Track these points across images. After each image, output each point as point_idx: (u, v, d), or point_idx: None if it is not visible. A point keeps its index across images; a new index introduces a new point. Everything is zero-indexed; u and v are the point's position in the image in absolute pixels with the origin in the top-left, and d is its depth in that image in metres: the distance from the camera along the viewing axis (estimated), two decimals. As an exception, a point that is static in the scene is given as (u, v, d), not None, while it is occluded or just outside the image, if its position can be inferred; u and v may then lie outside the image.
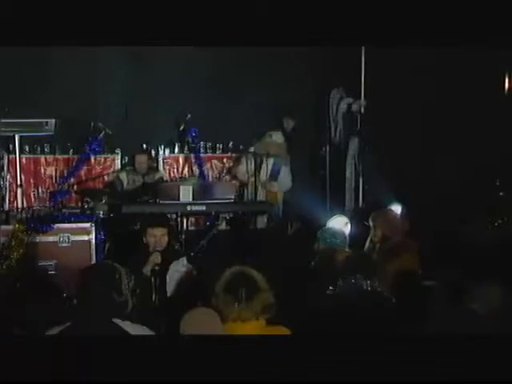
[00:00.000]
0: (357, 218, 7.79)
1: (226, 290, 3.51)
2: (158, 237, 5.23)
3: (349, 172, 8.48)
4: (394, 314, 3.80)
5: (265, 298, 3.51)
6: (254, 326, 3.46)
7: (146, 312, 3.94)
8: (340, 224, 6.21)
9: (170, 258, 5.14)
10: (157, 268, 4.85)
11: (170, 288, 4.95)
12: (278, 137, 8.06)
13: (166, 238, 5.26)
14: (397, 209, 6.44)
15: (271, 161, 7.91)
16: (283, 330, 3.52)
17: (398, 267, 4.42)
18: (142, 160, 8.04)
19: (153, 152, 8.68)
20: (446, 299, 3.86)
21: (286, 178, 8.06)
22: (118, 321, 3.24)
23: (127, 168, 8.21)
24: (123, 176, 8.01)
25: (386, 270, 4.33)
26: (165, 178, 8.23)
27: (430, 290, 4.10)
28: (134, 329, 3.23)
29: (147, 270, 4.92)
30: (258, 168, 7.77)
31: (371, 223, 5.48)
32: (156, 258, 5.01)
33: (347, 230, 6.12)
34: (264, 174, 7.85)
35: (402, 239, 5.09)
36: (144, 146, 8.53)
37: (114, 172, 8.43)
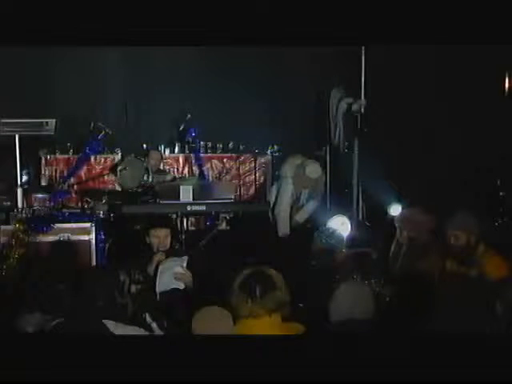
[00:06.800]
0: (358, 218, 7.83)
1: (241, 287, 3.55)
2: (161, 238, 5.23)
3: (349, 172, 8.46)
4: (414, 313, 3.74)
5: (278, 296, 3.53)
6: (267, 323, 3.49)
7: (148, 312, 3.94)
8: (339, 224, 6.19)
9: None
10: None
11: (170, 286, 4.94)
12: (314, 170, 7.20)
13: (169, 239, 5.26)
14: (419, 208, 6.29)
15: (305, 195, 7.22)
16: (298, 328, 3.54)
17: (426, 267, 4.43)
18: (156, 157, 8.00)
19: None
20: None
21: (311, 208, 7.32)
22: (108, 322, 3.23)
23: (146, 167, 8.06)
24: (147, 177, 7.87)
25: (415, 270, 4.34)
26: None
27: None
28: (123, 331, 3.22)
29: (151, 269, 4.93)
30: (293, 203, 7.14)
31: (396, 224, 5.39)
32: (161, 258, 5.01)
33: (346, 230, 6.10)
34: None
35: (430, 240, 5.06)
36: (144, 146, 8.51)
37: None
